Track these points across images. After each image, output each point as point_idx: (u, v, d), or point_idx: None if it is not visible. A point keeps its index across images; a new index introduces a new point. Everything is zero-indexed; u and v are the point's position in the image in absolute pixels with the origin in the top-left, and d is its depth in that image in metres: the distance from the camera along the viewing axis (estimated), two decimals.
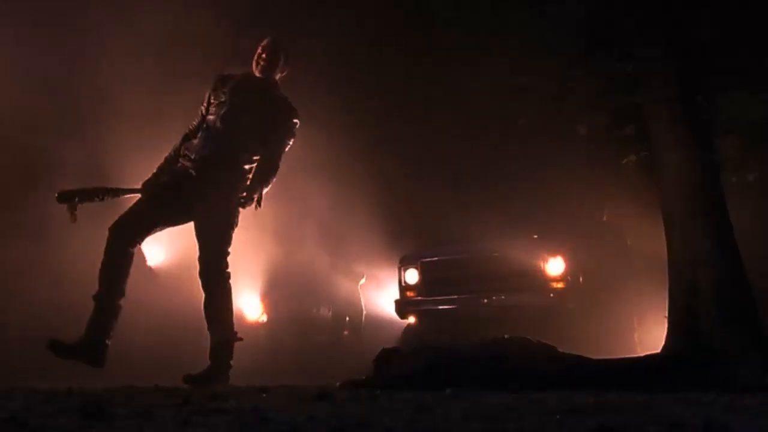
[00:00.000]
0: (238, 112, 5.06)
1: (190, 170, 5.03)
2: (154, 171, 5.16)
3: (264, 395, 3.76)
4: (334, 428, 2.42)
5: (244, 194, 4.97)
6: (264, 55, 5.13)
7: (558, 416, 2.76)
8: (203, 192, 4.97)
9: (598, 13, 5.55)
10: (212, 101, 5.14)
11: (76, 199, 4.93)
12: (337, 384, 4.54)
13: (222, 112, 5.06)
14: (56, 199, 4.93)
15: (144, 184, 5.13)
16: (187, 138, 5.16)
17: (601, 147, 7.63)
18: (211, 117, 5.09)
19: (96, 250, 4.89)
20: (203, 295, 4.96)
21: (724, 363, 4.67)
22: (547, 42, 5.87)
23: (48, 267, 7.41)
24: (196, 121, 5.19)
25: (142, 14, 7.43)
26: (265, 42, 5.18)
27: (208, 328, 4.93)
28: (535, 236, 7.82)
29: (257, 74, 5.14)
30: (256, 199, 4.96)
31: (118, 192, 5.12)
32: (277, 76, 5.21)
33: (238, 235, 5.07)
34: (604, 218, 8.56)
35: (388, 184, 9.31)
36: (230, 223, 5.01)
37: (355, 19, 8.76)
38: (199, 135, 5.10)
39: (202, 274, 4.94)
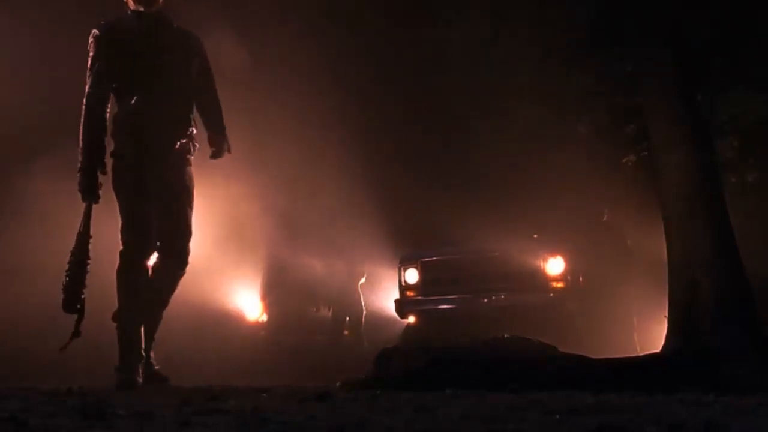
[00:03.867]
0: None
1: None
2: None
3: (264, 395, 3.76)
4: (334, 428, 2.41)
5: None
6: None
7: (558, 416, 2.76)
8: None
9: (599, 13, 5.54)
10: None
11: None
12: (337, 384, 4.53)
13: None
14: None
15: None
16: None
17: (601, 147, 7.63)
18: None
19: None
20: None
21: (724, 363, 4.67)
22: (548, 41, 5.86)
23: (45, 266, 7.40)
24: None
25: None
26: None
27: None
28: (535, 236, 7.82)
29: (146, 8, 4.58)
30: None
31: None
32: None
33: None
34: (604, 218, 8.55)
35: (389, 184, 9.31)
36: None
37: (356, 19, 8.76)
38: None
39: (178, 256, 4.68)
